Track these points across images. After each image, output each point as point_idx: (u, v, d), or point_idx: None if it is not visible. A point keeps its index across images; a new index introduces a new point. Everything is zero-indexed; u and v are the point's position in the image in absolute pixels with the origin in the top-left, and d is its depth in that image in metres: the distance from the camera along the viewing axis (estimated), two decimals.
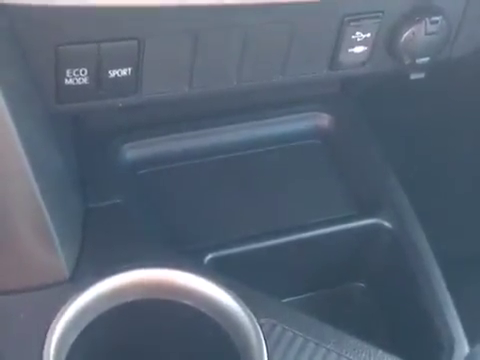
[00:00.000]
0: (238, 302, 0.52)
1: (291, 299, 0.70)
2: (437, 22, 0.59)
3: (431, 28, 0.59)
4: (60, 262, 0.55)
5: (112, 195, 0.65)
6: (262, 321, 0.53)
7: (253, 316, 0.52)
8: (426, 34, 0.59)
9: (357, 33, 0.57)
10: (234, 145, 0.74)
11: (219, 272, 0.60)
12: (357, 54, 0.58)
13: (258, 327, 0.51)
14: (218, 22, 0.49)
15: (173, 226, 0.67)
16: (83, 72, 0.49)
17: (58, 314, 0.50)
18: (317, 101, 0.76)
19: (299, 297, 0.70)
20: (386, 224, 0.69)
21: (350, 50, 0.58)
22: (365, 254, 0.70)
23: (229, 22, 0.49)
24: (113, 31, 0.48)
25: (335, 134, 0.76)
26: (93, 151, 0.68)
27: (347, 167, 0.74)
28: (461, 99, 0.78)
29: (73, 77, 0.49)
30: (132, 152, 0.71)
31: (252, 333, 0.51)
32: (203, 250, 0.64)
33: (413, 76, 0.64)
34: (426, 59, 0.61)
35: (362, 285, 0.72)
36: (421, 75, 0.64)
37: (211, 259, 0.64)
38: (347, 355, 0.55)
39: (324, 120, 0.76)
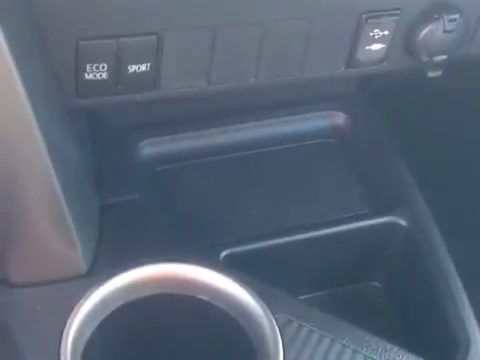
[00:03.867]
0: (254, 297, 0.52)
1: (306, 296, 0.70)
2: (455, 20, 0.59)
3: (449, 26, 0.59)
4: (78, 256, 0.56)
5: (129, 191, 0.65)
6: (278, 316, 0.53)
7: (269, 311, 0.52)
8: (444, 32, 0.59)
9: (375, 30, 0.57)
10: (249, 143, 0.74)
11: (234, 268, 0.60)
12: (375, 52, 0.58)
13: (274, 322, 0.51)
14: (236, 17, 0.49)
15: (189, 222, 0.67)
16: (103, 67, 0.50)
17: (75, 308, 0.50)
18: (333, 100, 0.76)
19: (314, 295, 0.70)
20: (401, 222, 0.69)
21: (368, 47, 0.58)
22: (380, 252, 0.70)
23: (247, 18, 0.49)
24: (133, 26, 0.48)
25: (351, 133, 0.76)
26: (111, 147, 0.69)
27: (362, 165, 0.74)
28: (478, 97, 0.77)
29: (93, 72, 0.50)
30: (149, 148, 0.71)
31: (268, 328, 0.51)
32: (219, 246, 0.65)
33: (430, 74, 0.64)
34: (444, 57, 0.61)
35: (377, 283, 0.72)
36: (438, 73, 0.64)
37: (226, 255, 0.64)
38: (363, 351, 0.55)
39: (340, 119, 0.76)
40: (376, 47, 0.58)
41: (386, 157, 0.74)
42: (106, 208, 0.63)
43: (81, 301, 0.51)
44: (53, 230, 0.54)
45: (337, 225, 0.68)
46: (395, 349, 0.56)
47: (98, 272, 0.56)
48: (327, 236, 0.67)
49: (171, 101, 0.59)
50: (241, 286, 0.53)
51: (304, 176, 0.73)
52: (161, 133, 0.72)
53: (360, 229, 0.68)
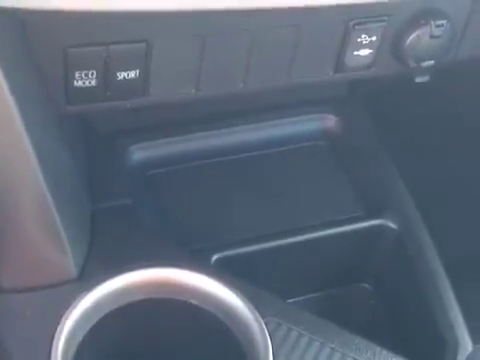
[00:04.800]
0: (244, 301, 0.53)
1: (296, 299, 0.70)
2: (442, 25, 0.59)
3: (436, 31, 0.59)
4: (68, 261, 0.56)
5: (120, 195, 0.65)
6: (267, 320, 0.54)
7: (259, 315, 0.52)
8: (431, 37, 0.59)
9: (362, 36, 0.58)
10: (240, 146, 0.74)
11: (225, 272, 0.60)
12: (362, 57, 0.59)
13: (263, 326, 0.52)
14: (225, 26, 0.49)
15: (180, 226, 0.68)
16: (92, 74, 0.50)
17: (66, 312, 0.51)
18: (324, 103, 0.77)
19: (304, 297, 0.71)
20: (391, 225, 0.69)
21: (355, 53, 0.59)
22: (370, 255, 0.71)
23: (236, 26, 0.50)
24: (122, 34, 0.48)
25: (341, 135, 0.77)
26: (101, 152, 0.69)
27: (353, 169, 0.74)
28: (470, 101, 0.78)
29: (82, 79, 0.50)
30: (140, 153, 0.72)
31: (257, 332, 0.52)
32: (210, 250, 0.65)
33: (418, 79, 0.64)
34: (431, 62, 0.61)
35: (367, 286, 0.72)
36: (426, 78, 0.64)
37: (218, 259, 0.64)
38: (352, 354, 0.56)
39: (331, 122, 0.77)
40: (364, 52, 0.59)
41: (377, 160, 0.75)
42: (97, 213, 0.64)
43: (73, 305, 0.51)
44: (44, 235, 0.55)
45: (327, 228, 0.68)
46: (384, 352, 0.57)
47: (89, 277, 0.56)
48: (317, 239, 0.68)
49: (161, 107, 0.59)
50: (231, 290, 0.53)
51: (295, 179, 0.73)
52: (151, 137, 0.72)
53: (350, 232, 0.68)
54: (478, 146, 0.80)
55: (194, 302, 0.54)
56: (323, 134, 0.77)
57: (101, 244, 0.60)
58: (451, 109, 0.80)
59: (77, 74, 0.50)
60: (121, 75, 0.51)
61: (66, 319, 0.51)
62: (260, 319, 0.52)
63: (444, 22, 0.59)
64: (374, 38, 0.58)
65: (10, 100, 0.47)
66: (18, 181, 0.52)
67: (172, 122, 0.72)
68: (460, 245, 0.73)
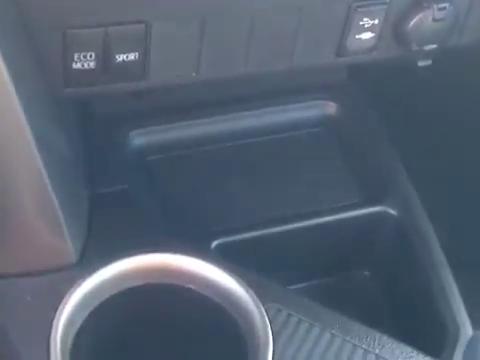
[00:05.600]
0: (243, 287, 0.52)
1: (296, 286, 0.70)
2: (445, 8, 0.59)
3: (439, 15, 0.59)
4: (68, 246, 0.56)
5: (119, 181, 0.65)
6: (267, 306, 0.53)
7: (258, 301, 0.52)
8: (434, 21, 0.59)
9: (364, 19, 0.57)
10: (240, 132, 0.74)
11: (225, 258, 0.60)
12: (364, 40, 0.58)
13: (263, 312, 0.51)
14: (226, 6, 0.49)
15: (180, 212, 0.67)
16: (90, 56, 0.50)
17: (65, 297, 0.50)
18: (324, 89, 0.76)
19: (304, 284, 0.71)
20: (392, 211, 0.69)
21: (357, 36, 0.58)
22: (371, 241, 0.70)
23: (236, 6, 0.49)
24: (121, 14, 0.48)
25: (342, 122, 0.76)
26: (101, 137, 0.69)
27: (353, 155, 0.74)
28: (471, 88, 0.78)
29: (81, 61, 0.50)
30: (140, 138, 0.71)
31: (257, 318, 0.51)
32: (209, 236, 0.65)
33: (421, 63, 0.64)
34: (434, 46, 0.61)
35: (367, 272, 0.72)
36: (428, 62, 0.64)
37: (217, 245, 0.64)
38: (352, 340, 0.56)
39: (331, 108, 0.77)
40: (366, 36, 0.58)
41: (377, 147, 0.75)
42: (96, 198, 0.63)
43: (71, 291, 0.51)
44: (42, 221, 0.54)
45: (327, 215, 0.68)
46: (384, 338, 0.57)
47: (88, 262, 0.56)
48: (317, 226, 0.67)
49: (161, 91, 0.59)
50: (231, 276, 0.53)
51: (295, 166, 0.73)
52: (151, 123, 0.72)
53: (350, 218, 0.68)
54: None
55: (193, 287, 0.53)
56: (323, 120, 0.76)
57: (100, 229, 0.60)
58: (453, 96, 0.79)
59: (76, 56, 0.49)
60: (120, 57, 0.50)
61: (65, 304, 0.51)
62: (260, 305, 0.52)
63: (447, 5, 0.59)
64: (376, 21, 0.58)
65: (8, 83, 0.47)
66: (16, 165, 0.52)
67: (172, 108, 0.72)
68: (461, 232, 0.73)
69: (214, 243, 0.64)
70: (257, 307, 0.52)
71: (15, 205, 0.54)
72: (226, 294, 0.53)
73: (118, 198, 0.64)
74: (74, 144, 0.63)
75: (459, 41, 0.62)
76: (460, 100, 0.79)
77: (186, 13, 0.48)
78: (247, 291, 0.52)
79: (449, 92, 0.79)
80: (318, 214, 0.68)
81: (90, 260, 0.56)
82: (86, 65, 0.50)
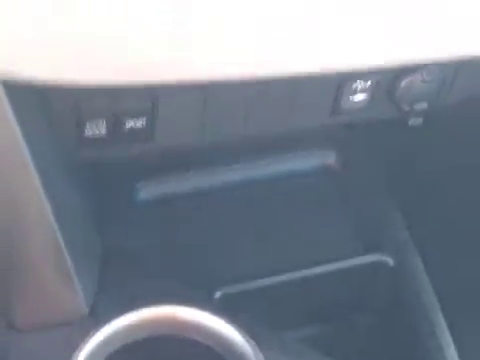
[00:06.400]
0: (244, 336, 0.55)
1: (295, 334, 0.72)
2: (433, 70, 0.62)
3: (428, 76, 0.62)
4: (79, 300, 0.58)
5: (127, 233, 0.68)
6: (267, 354, 0.56)
7: (258, 350, 0.54)
8: (423, 82, 0.62)
9: (358, 81, 0.61)
10: (241, 182, 0.76)
11: (229, 307, 0.62)
12: (358, 102, 0.61)
13: None
14: (224, 94, 0.53)
15: (185, 263, 0.70)
16: (102, 123, 0.53)
17: (76, 351, 0.53)
18: (323, 138, 0.79)
19: (302, 332, 0.73)
20: (388, 260, 0.71)
21: (351, 97, 0.61)
22: (368, 290, 0.72)
23: (234, 93, 0.53)
24: (129, 92, 0.51)
25: (341, 171, 0.79)
26: (108, 188, 0.71)
27: (352, 204, 0.76)
28: (468, 139, 0.79)
29: (92, 129, 0.53)
30: (146, 189, 0.74)
31: None
32: (213, 286, 0.67)
33: (411, 122, 0.67)
34: (424, 106, 0.64)
35: (364, 320, 0.74)
36: (419, 121, 0.67)
37: (221, 295, 0.67)
38: None
39: (330, 157, 0.79)
40: (359, 97, 0.61)
41: (375, 196, 0.77)
42: (106, 249, 0.66)
43: (81, 344, 0.53)
44: (54, 275, 0.57)
45: (326, 264, 0.70)
46: None
47: (99, 315, 0.58)
48: (316, 275, 0.69)
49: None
50: (232, 326, 0.56)
51: (295, 215, 0.75)
52: (157, 174, 0.74)
53: (348, 268, 0.70)
54: (475, 182, 0.80)
55: (197, 338, 0.56)
56: (323, 170, 0.79)
57: (110, 281, 0.63)
58: (452, 146, 0.81)
59: (88, 124, 0.52)
60: (129, 124, 0.54)
61: (79, 353, 0.53)
62: (260, 354, 0.54)
63: (435, 67, 0.62)
64: (369, 83, 0.61)
65: (23, 145, 0.50)
66: (29, 222, 0.55)
67: (176, 159, 0.74)
68: (456, 282, 0.74)
69: (218, 293, 0.67)
70: (257, 357, 0.54)
71: (28, 261, 0.56)
72: (228, 344, 0.55)
73: (125, 250, 0.66)
74: (85, 196, 0.66)
75: (448, 101, 0.65)
76: (458, 149, 0.81)
77: (190, 88, 0.51)
78: (247, 341, 0.55)
79: (448, 142, 0.81)
80: (316, 263, 0.70)
81: (101, 312, 0.58)
82: (97, 132, 0.53)
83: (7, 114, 0.47)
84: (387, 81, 0.62)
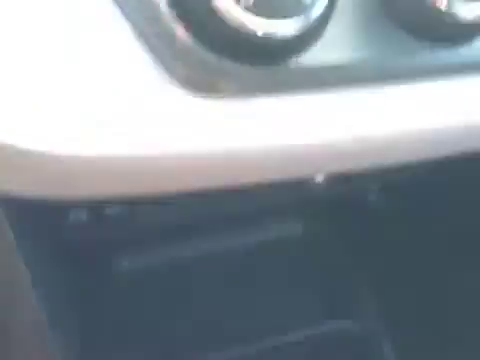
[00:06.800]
0: None
1: None
2: None
3: None
4: None
5: (109, 305, 0.69)
6: None
7: None
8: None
9: None
10: (216, 254, 0.77)
11: None
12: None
13: None
14: None
15: (170, 333, 0.71)
16: (83, 211, 0.57)
17: None
18: (294, 209, 0.81)
19: None
20: (354, 330, 0.74)
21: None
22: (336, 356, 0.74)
23: None
24: None
25: (310, 243, 0.81)
26: (89, 262, 0.71)
27: (322, 273, 0.79)
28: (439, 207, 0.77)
29: (76, 216, 0.57)
30: (127, 263, 0.75)
31: None
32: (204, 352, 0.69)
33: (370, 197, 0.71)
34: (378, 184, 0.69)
35: None
36: (374, 197, 0.71)
37: None
38: None
39: (298, 229, 0.82)
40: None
41: (345, 267, 0.79)
42: (87, 323, 0.67)
43: None
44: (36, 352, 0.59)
45: (292, 332, 0.72)
46: None
47: None
48: (284, 343, 0.72)
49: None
50: None
51: (268, 284, 0.77)
52: (138, 247, 0.74)
53: (315, 336, 0.73)
54: (448, 250, 0.77)
55: None
56: (293, 241, 0.82)
57: (94, 355, 0.64)
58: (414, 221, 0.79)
59: (71, 212, 0.57)
60: (109, 210, 0.58)
61: None
62: None
63: None
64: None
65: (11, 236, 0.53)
66: (13, 305, 0.57)
67: (158, 230, 0.73)
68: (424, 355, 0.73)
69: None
70: None
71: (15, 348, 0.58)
72: None
73: (109, 322, 0.68)
74: (66, 273, 0.67)
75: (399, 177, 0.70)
76: (420, 220, 0.79)
77: None
78: None
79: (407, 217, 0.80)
80: (282, 332, 0.72)
81: None
82: (80, 218, 0.57)
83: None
84: None
